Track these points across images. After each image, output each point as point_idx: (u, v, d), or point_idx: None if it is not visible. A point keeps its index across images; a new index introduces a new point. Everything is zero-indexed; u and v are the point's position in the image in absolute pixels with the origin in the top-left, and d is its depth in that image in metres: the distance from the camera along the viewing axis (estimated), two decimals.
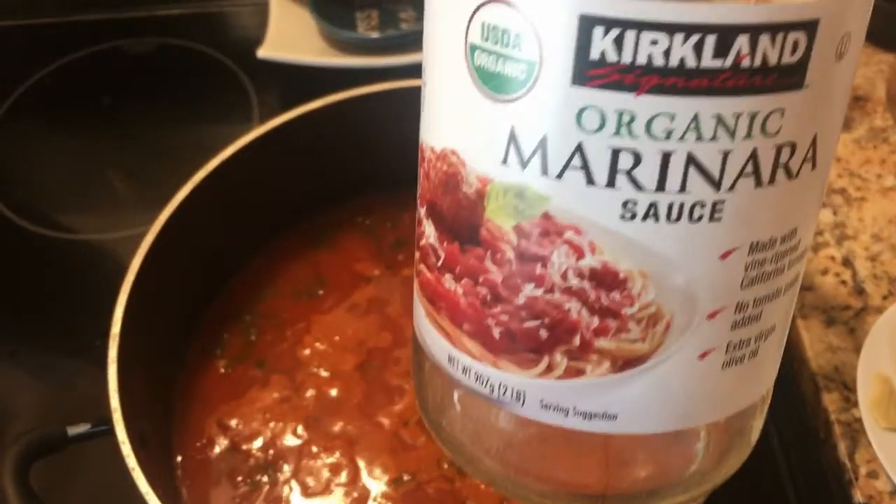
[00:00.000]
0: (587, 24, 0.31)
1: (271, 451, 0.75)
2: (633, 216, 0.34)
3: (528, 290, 0.36)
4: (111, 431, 0.63)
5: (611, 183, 0.34)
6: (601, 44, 0.31)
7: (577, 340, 0.36)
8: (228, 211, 0.82)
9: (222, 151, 0.80)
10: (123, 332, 0.69)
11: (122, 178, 1.16)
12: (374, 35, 1.14)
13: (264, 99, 1.16)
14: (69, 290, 1.00)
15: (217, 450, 0.76)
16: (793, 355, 0.84)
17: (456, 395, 0.42)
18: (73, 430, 0.62)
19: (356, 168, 0.89)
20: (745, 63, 0.32)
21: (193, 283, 0.82)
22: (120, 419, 0.62)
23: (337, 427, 0.76)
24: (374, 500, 0.72)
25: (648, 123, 0.32)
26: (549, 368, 0.37)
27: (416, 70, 1.05)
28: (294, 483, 0.73)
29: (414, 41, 1.11)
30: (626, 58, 0.32)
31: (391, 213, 0.91)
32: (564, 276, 0.35)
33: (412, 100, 0.89)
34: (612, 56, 0.32)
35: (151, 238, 0.75)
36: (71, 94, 1.21)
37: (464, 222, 0.38)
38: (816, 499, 0.79)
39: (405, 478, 0.73)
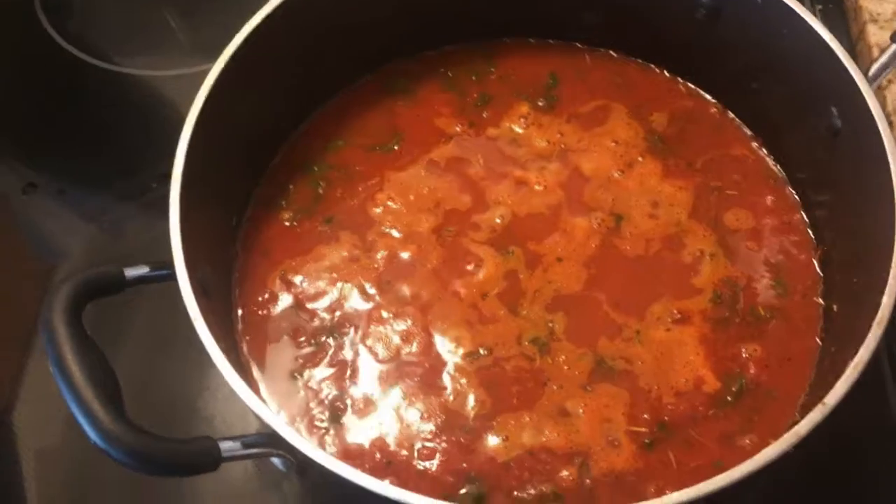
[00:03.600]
0: None
1: (338, 313, 0.70)
2: None
3: None
4: (171, 276, 0.58)
5: None
6: None
7: None
8: (297, 51, 0.74)
9: None
10: (186, 167, 0.62)
11: (177, 18, 1.07)
12: None
13: None
14: (123, 129, 0.94)
15: (280, 306, 0.70)
16: None
17: None
18: (130, 272, 0.56)
19: (439, 11, 0.79)
20: None
21: (259, 127, 0.75)
22: (181, 261, 0.56)
23: (409, 292, 0.70)
24: (448, 373, 0.67)
25: None
26: None
27: None
28: (361, 348, 0.68)
29: None
30: None
31: (477, 65, 0.82)
32: None
33: None
34: None
35: (217, 72, 0.67)
36: None
37: None
38: None
39: (482, 352, 0.67)
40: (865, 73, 0.63)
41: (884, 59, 0.63)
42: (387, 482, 0.50)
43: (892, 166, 0.58)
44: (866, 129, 0.61)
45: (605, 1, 0.77)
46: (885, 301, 0.54)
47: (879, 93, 0.83)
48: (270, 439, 0.52)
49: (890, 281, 0.54)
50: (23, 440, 0.76)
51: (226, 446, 0.51)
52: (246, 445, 0.52)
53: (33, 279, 0.85)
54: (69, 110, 0.96)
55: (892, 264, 0.55)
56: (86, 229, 0.89)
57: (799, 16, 0.67)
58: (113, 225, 0.88)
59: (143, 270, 0.57)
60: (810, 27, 0.66)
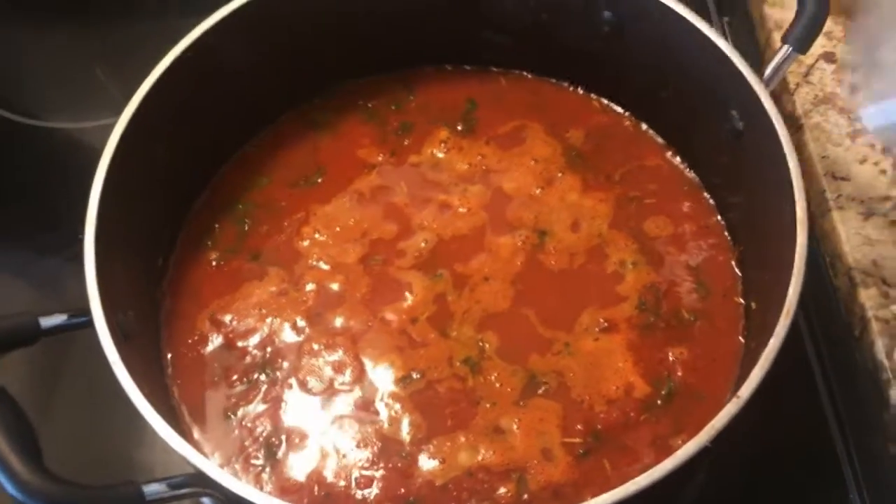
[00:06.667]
0: None
1: (269, 349, 0.70)
2: None
3: None
4: (90, 324, 0.57)
5: None
6: None
7: None
8: (214, 92, 0.74)
9: (202, 23, 0.72)
10: (101, 213, 0.62)
11: (103, 68, 1.07)
12: None
13: None
14: (47, 182, 0.93)
15: (210, 347, 0.70)
16: (827, 249, 0.77)
17: None
18: (46, 321, 0.56)
19: (355, 44, 0.81)
20: None
21: (178, 169, 0.75)
22: (98, 307, 0.56)
23: (339, 323, 0.70)
24: (381, 399, 0.67)
25: None
26: None
27: None
28: (294, 382, 0.68)
29: None
30: None
31: (396, 95, 0.83)
32: None
33: None
34: None
35: (126, 118, 0.67)
36: None
37: None
38: (850, 399, 0.74)
39: (414, 376, 0.68)
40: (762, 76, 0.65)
41: (776, 60, 0.65)
42: None
43: (790, 163, 0.60)
44: (764, 130, 0.63)
45: (513, 22, 0.79)
46: (791, 293, 0.56)
47: (788, 97, 0.86)
48: (197, 479, 0.52)
49: (794, 273, 0.56)
50: None
51: (151, 489, 0.50)
52: (172, 487, 0.51)
53: None
54: None
55: (796, 258, 0.56)
56: (11, 285, 0.88)
57: (696, 27, 0.69)
58: (41, 281, 0.87)
59: (60, 319, 0.57)
60: (707, 37, 0.68)
